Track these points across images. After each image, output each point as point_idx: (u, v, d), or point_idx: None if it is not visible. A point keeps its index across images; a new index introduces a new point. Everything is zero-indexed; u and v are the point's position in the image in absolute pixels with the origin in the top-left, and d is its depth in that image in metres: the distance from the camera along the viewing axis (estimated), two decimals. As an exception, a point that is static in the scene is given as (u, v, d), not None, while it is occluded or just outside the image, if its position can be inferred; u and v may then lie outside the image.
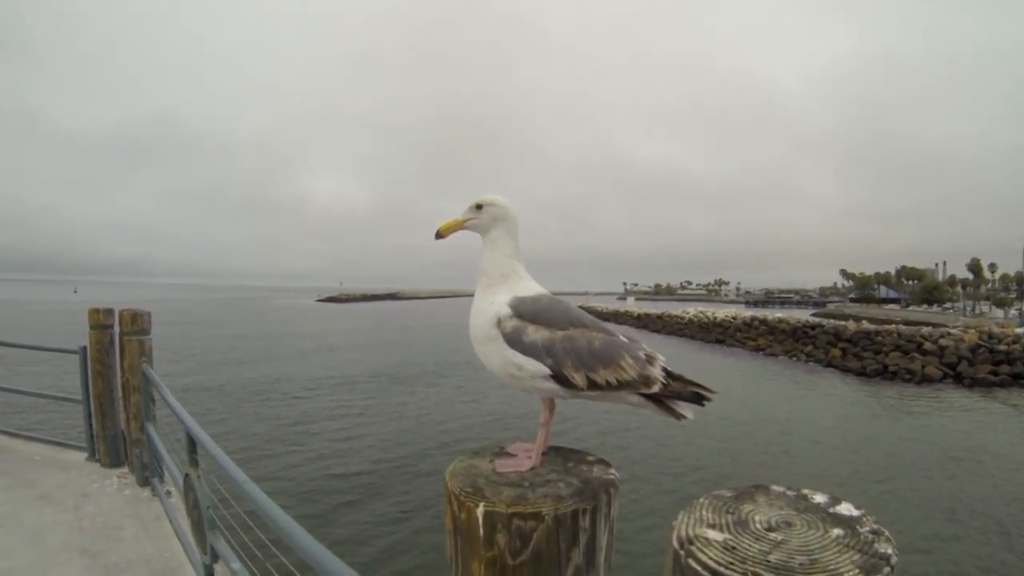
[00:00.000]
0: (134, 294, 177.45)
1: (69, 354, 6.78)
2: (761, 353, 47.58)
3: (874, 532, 1.08)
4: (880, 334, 42.29)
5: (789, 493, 1.27)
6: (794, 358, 44.17)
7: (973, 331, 41.20)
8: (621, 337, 1.93)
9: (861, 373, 38.01)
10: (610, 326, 1.99)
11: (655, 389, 1.83)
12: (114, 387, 6.41)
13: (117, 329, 6.33)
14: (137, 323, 6.13)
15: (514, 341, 1.85)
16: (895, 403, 28.61)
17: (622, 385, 1.82)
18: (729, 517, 1.15)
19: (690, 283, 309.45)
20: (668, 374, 1.86)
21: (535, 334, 1.85)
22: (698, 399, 1.85)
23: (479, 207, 2.05)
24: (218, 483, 3.47)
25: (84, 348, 6.56)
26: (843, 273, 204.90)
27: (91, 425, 6.64)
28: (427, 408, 22.13)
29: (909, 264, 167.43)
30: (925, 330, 42.33)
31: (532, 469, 1.76)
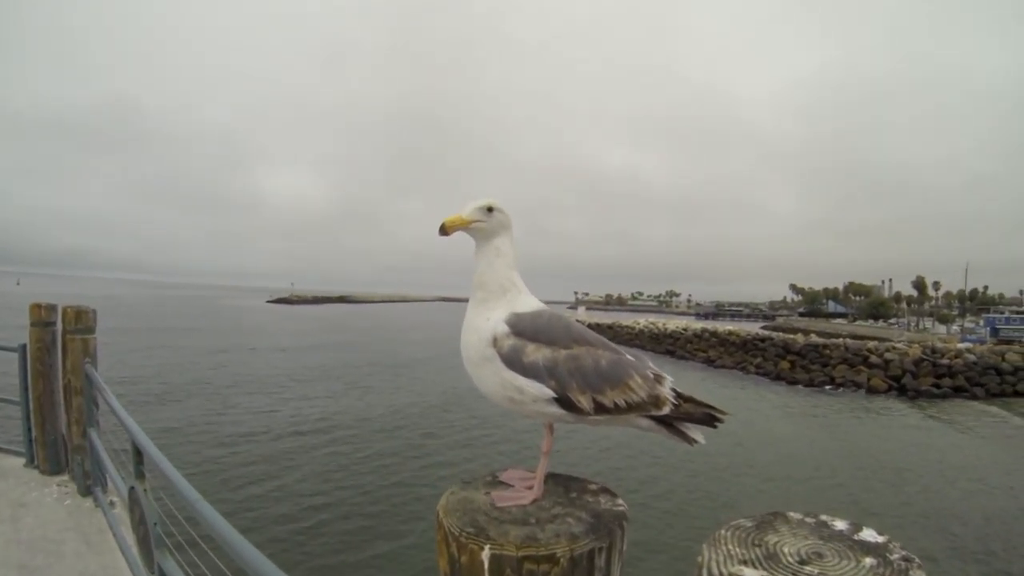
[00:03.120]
0: (80, 288, 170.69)
1: (7, 352, 6.37)
2: (711, 365, 48.45)
3: (905, 559, 1.04)
4: (828, 347, 43.50)
5: (808, 520, 1.20)
6: (744, 370, 45.06)
7: (917, 346, 42.74)
8: (627, 355, 1.81)
9: (809, 384, 39.13)
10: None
11: (666, 411, 1.71)
12: (55, 389, 6.03)
13: (60, 327, 5.96)
14: (81, 321, 5.79)
15: (513, 361, 1.69)
16: (844, 415, 29.45)
17: (631, 407, 1.69)
18: (757, 550, 1.07)
19: (641, 294, 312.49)
20: (677, 395, 1.75)
21: (536, 353, 1.69)
22: (710, 421, 1.74)
23: (490, 210, 1.86)
24: (166, 498, 3.23)
25: (24, 346, 6.19)
26: (793, 288, 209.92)
27: (30, 429, 6.23)
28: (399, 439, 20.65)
29: (857, 280, 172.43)
30: (871, 344, 43.72)
31: (534, 502, 1.61)
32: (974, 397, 35.98)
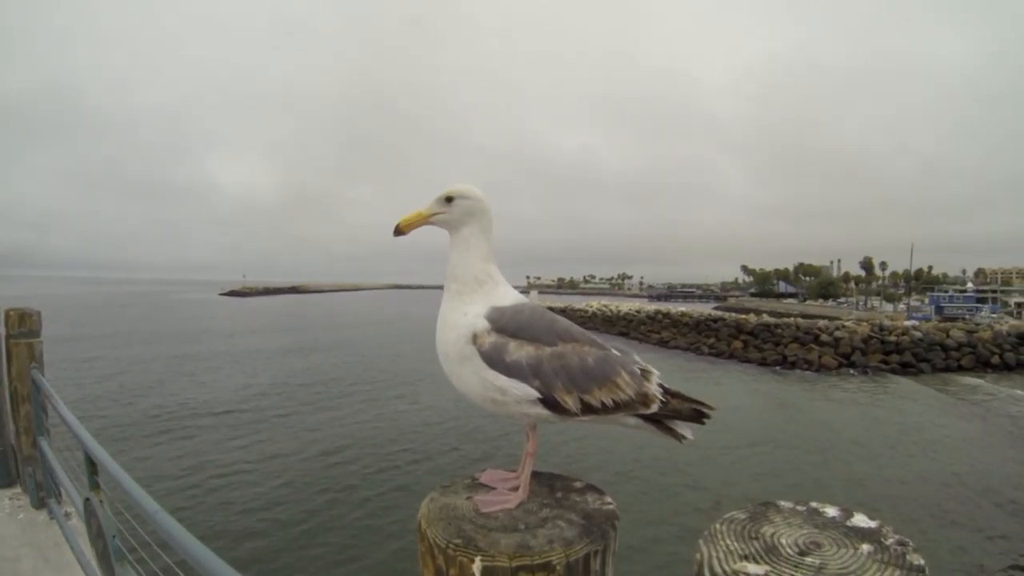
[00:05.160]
0: (21, 289, 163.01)
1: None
2: (665, 346, 49.33)
3: (901, 543, 1.05)
4: (780, 327, 44.73)
5: (800, 508, 1.20)
6: (697, 351, 45.97)
7: (866, 324, 44.15)
8: (614, 350, 1.74)
9: (762, 364, 40.14)
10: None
11: (654, 409, 1.65)
12: (1, 397, 5.77)
13: (3, 331, 5.70)
14: (25, 324, 5.54)
15: (494, 360, 1.60)
16: (799, 392, 30.36)
17: (619, 407, 1.63)
18: (756, 544, 1.05)
19: (593, 277, 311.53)
20: (665, 391, 1.70)
21: (519, 351, 1.60)
22: (697, 416, 1.69)
23: (449, 200, 1.78)
24: (124, 508, 3.08)
25: (-35, 354, 5.89)
26: (744, 269, 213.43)
27: (-24, 440, 5.96)
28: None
29: (807, 261, 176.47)
30: (822, 323, 45.09)
31: (520, 504, 1.52)
32: (920, 372, 37.38)
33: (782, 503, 1.21)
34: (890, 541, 1.04)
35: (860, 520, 1.13)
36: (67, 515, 4.93)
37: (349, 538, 11.63)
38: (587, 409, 1.61)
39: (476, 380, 1.62)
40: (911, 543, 1.04)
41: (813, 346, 40.77)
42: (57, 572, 4.30)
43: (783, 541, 1.05)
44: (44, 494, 5.33)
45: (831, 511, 1.17)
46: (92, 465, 3.25)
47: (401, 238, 1.85)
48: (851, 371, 37.78)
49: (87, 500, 3.39)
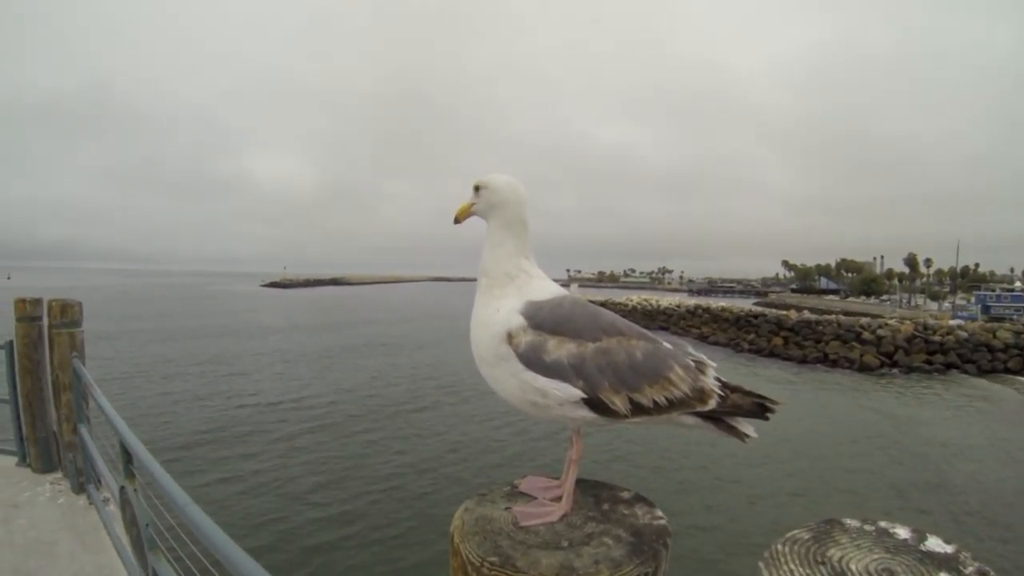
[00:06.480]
0: (70, 280, 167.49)
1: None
2: (704, 341, 48.58)
3: (980, 572, 0.95)
4: (821, 324, 43.75)
5: (868, 528, 1.10)
6: (736, 347, 45.32)
7: (909, 323, 42.99)
8: (664, 343, 1.60)
9: (802, 361, 39.34)
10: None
11: (712, 405, 1.51)
12: (44, 385, 5.90)
13: (46, 321, 5.82)
14: (67, 314, 5.66)
15: (532, 361, 1.46)
16: (844, 390, 29.74)
17: (673, 405, 1.49)
18: (823, 569, 0.96)
19: (634, 271, 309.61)
20: (723, 385, 1.56)
21: (559, 349, 1.47)
22: (760, 411, 1.55)
23: (477, 189, 1.70)
24: (157, 498, 3.07)
25: (11, 343, 6.04)
26: (785, 264, 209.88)
27: (20, 427, 6.10)
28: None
29: (849, 257, 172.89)
30: (864, 320, 44.01)
31: (564, 517, 1.40)
32: (966, 374, 36.29)
33: (848, 521, 1.12)
34: (969, 570, 0.96)
35: (935, 544, 1.03)
36: (105, 501, 5.01)
37: (384, 548, 11.27)
38: (638, 409, 1.47)
39: (514, 382, 1.50)
40: (992, 573, 0.95)
41: (855, 344, 39.81)
42: (94, 556, 4.37)
43: (853, 567, 0.96)
44: (83, 480, 5.44)
45: (902, 532, 1.07)
46: (127, 454, 3.28)
47: (459, 227, 1.80)
48: (894, 370, 36.86)
49: (122, 488, 3.42)
